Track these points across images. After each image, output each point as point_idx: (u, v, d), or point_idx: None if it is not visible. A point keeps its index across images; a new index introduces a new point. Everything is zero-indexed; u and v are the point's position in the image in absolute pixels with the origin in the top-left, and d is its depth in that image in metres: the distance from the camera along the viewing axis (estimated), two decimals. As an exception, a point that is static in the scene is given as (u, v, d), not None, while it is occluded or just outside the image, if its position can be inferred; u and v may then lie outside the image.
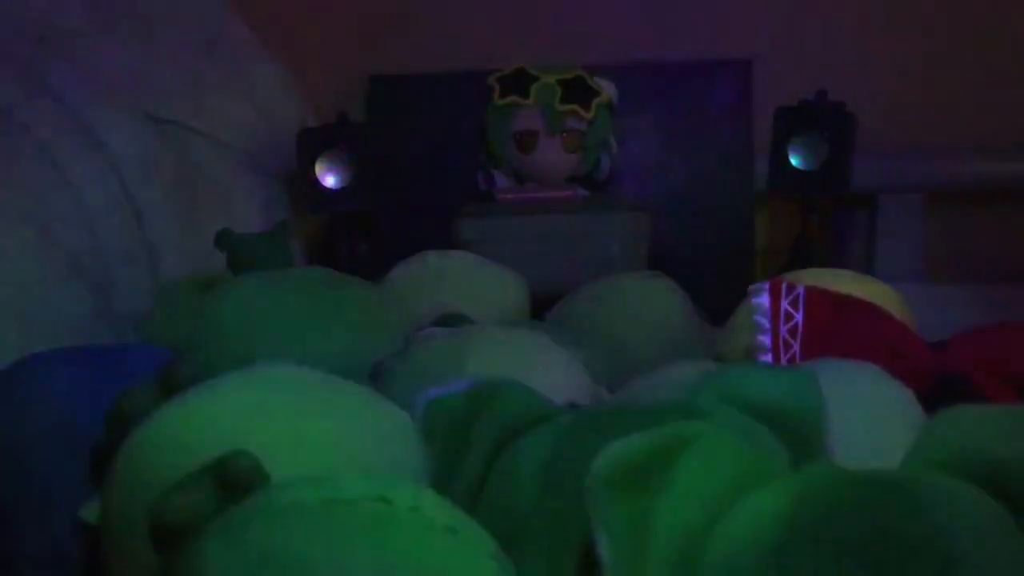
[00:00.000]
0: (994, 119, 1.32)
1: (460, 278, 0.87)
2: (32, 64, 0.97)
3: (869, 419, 0.52)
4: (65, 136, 0.94)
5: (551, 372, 0.59)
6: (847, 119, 1.10)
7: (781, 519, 0.36)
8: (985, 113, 1.33)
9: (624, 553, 0.35)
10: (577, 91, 1.14)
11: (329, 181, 1.14)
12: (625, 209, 1.11)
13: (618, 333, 0.80)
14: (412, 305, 0.77)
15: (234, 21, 1.23)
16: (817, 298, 0.63)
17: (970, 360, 0.62)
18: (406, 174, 1.27)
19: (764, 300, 0.63)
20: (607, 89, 1.17)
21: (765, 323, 0.63)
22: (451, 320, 0.68)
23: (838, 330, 0.62)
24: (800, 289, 0.64)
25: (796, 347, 0.62)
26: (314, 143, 1.14)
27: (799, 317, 0.63)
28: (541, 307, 0.91)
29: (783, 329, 0.62)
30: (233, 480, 0.39)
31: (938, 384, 0.61)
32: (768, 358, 0.63)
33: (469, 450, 0.46)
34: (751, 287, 0.66)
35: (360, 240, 1.23)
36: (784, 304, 0.63)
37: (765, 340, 0.62)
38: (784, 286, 0.64)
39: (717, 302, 0.84)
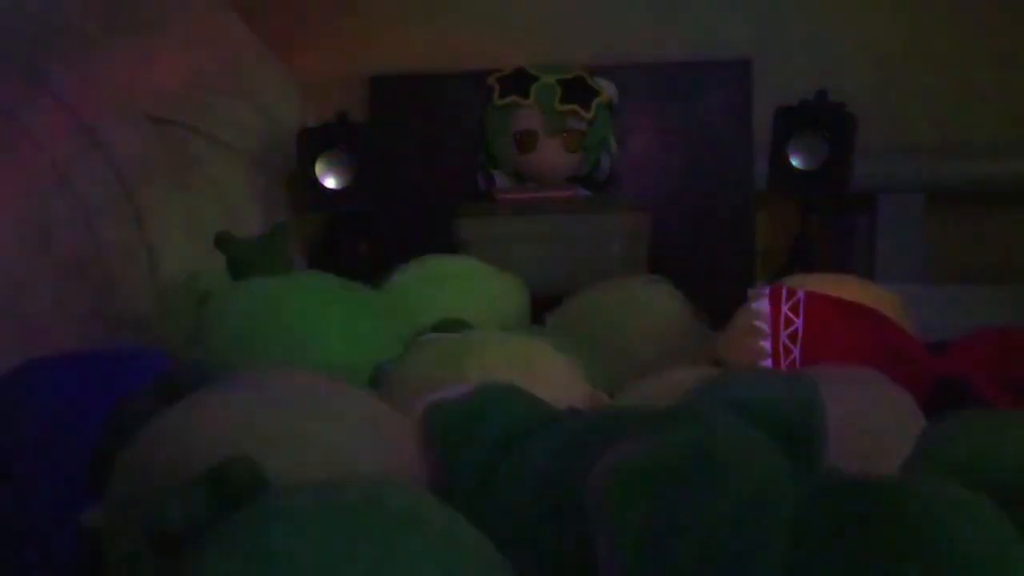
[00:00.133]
0: (994, 119, 1.32)
1: (460, 283, 0.87)
2: (32, 64, 0.97)
3: (869, 425, 0.52)
4: (65, 136, 0.94)
5: (551, 377, 0.59)
6: (847, 119, 1.10)
7: (782, 527, 0.36)
8: (985, 113, 1.33)
9: (628, 561, 0.35)
10: (577, 91, 1.14)
11: (329, 181, 1.14)
12: (625, 209, 1.11)
13: (618, 337, 0.81)
14: (412, 310, 0.77)
15: (234, 21, 1.23)
16: (817, 303, 0.63)
17: (970, 365, 0.62)
18: (406, 174, 1.27)
19: (764, 305, 0.63)
20: (607, 89, 1.17)
21: (765, 328, 0.63)
22: (451, 325, 0.68)
23: (838, 335, 0.62)
24: (800, 294, 0.64)
25: (796, 352, 0.62)
26: (314, 143, 1.14)
27: (799, 322, 0.63)
28: (541, 307, 0.91)
29: (783, 334, 0.62)
30: (232, 486, 0.39)
31: (938, 389, 0.61)
32: (768, 363, 0.63)
33: (469, 455, 0.46)
34: (751, 291, 0.66)
35: (360, 240, 1.23)
36: (784, 309, 0.63)
37: (765, 345, 0.62)
38: (784, 291, 0.64)
39: (717, 302, 0.84)
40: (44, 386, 0.56)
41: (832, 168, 1.10)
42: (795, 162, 1.12)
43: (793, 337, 0.62)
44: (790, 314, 0.63)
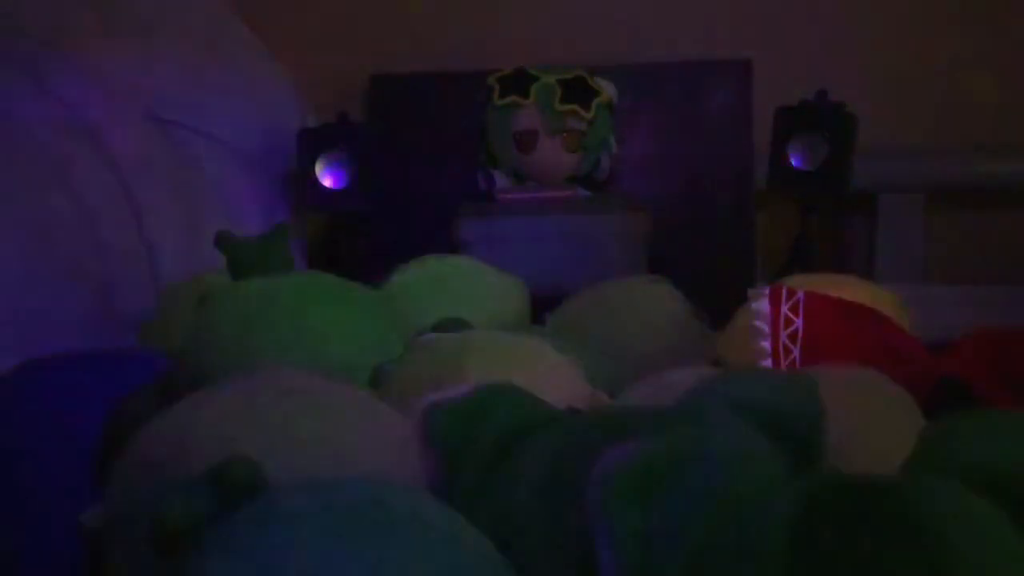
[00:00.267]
0: (994, 119, 1.33)
1: (460, 283, 0.87)
2: (32, 64, 0.97)
3: (869, 424, 0.52)
4: (65, 136, 0.94)
5: (551, 377, 0.59)
6: (847, 119, 1.10)
7: (781, 527, 0.36)
8: (985, 113, 1.33)
9: (627, 562, 0.35)
10: (577, 91, 1.14)
11: (329, 181, 1.14)
12: (625, 209, 1.11)
13: (618, 338, 0.80)
14: (412, 310, 0.77)
15: (234, 21, 1.23)
16: (817, 303, 0.63)
17: (970, 365, 0.62)
18: (406, 174, 1.27)
19: (764, 305, 0.63)
20: (607, 89, 1.17)
21: (765, 328, 0.63)
22: (451, 325, 0.68)
23: (838, 335, 0.62)
24: (800, 294, 0.64)
25: (796, 352, 0.62)
26: (314, 143, 1.14)
27: (799, 322, 0.62)
28: (541, 307, 0.91)
29: (783, 334, 0.62)
30: (232, 486, 0.39)
31: (938, 389, 0.61)
32: (768, 363, 0.62)
33: (469, 456, 0.46)
34: (751, 291, 0.66)
35: (360, 240, 1.23)
36: (784, 309, 0.63)
37: (765, 345, 0.62)
38: (784, 291, 0.64)
39: (717, 302, 0.84)
40: (44, 386, 0.56)
41: (832, 168, 1.10)
42: (795, 162, 1.12)
43: (793, 337, 0.62)
44: (790, 314, 0.63)
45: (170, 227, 1.00)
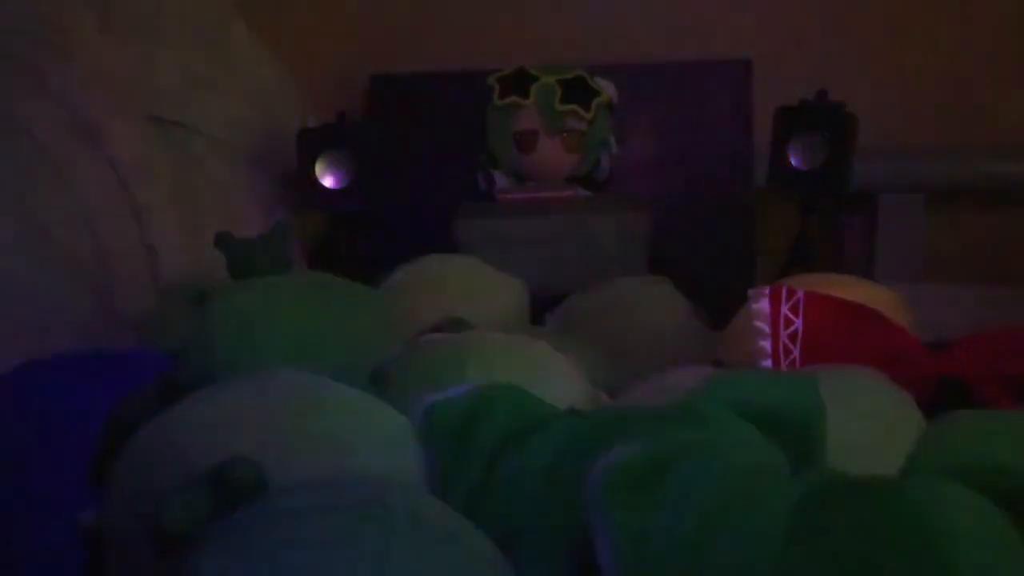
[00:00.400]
0: (994, 119, 1.33)
1: (461, 283, 0.87)
2: (32, 64, 0.97)
3: (869, 425, 0.52)
4: (65, 136, 0.94)
5: (551, 377, 0.59)
6: (847, 119, 1.10)
7: (780, 526, 0.36)
8: (985, 113, 1.33)
9: (626, 560, 0.35)
10: (577, 91, 1.14)
11: (329, 181, 1.14)
12: (625, 209, 1.11)
13: (618, 337, 0.81)
14: (413, 310, 0.77)
15: (234, 21, 1.23)
16: (817, 303, 0.63)
17: (970, 365, 0.62)
18: (406, 174, 1.27)
19: (764, 305, 0.63)
20: (607, 89, 1.17)
21: (765, 328, 0.63)
22: (452, 325, 0.68)
23: (838, 335, 0.62)
24: (800, 294, 0.64)
25: (796, 352, 0.62)
26: (314, 143, 1.14)
27: (799, 323, 0.63)
28: (541, 307, 0.91)
29: (783, 334, 0.62)
30: (233, 487, 0.39)
31: (938, 389, 0.61)
32: (768, 363, 0.63)
33: (469, 455, 0.46)
34: (751, 292, 0.66)
35: (360, 240, 1.23)
36: (784, 309, 0.63)
37: (766, 345, 0.62)
38: (784, 291, 0.64)
39: (717, 302, 0.84)
40: (44, 386, 0.56)
41: (832, 168, 1.10)
42: (795, 162, 1.12)
43: (793, 337, 0.62)
44: (790, 314, 0.63)
45: (170, 227, 1.00)
